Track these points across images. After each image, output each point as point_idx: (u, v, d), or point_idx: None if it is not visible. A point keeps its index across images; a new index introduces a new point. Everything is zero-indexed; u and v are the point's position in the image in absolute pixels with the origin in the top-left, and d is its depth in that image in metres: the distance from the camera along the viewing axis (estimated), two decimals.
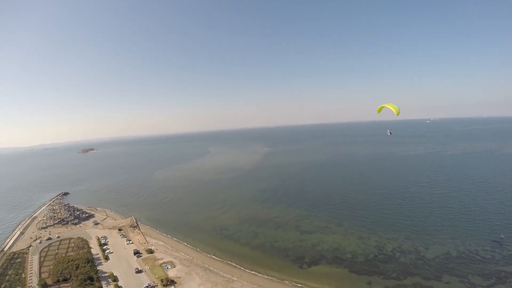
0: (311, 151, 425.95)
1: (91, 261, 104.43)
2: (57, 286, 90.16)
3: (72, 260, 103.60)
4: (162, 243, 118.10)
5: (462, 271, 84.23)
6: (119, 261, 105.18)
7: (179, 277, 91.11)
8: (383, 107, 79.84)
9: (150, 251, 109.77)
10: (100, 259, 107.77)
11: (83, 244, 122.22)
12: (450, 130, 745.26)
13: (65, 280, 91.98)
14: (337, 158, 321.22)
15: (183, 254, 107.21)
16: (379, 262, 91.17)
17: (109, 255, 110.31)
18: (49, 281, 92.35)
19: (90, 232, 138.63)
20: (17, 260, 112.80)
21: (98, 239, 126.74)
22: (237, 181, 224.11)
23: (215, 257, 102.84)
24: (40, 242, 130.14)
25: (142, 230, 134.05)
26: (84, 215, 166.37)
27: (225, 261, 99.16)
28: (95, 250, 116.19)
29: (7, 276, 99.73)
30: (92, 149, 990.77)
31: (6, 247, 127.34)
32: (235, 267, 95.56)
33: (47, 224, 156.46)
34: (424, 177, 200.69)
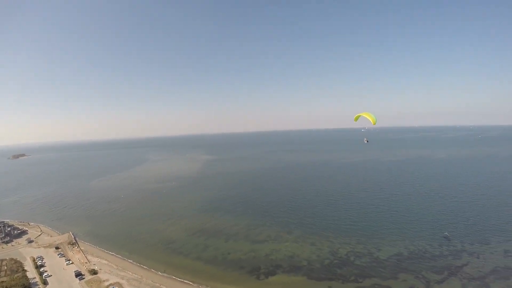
0: (253, 159, 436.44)
1: None
2: None
3: None
4: (106, 262, 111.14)
5: (415, 268, 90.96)
6: (59, 286, 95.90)
7: None
8: (360, 116, 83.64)
9: (94, 272, 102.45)
10: (37, 284, 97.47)
11: (17, 266, 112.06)
12: (385, 138, 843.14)
13: None
14: (280, 166, 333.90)
15: (130, 273, 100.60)
16: (335, 267, 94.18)
17: (48, 279, 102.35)
18: None
19: (24, 251, 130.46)
20: None
21: (34, 260, 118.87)
22: (180, 190, 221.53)
23: (166, 275, 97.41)
24: None
25: (82, 248, 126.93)
26: (15, 232, 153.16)
27: (177, 279, 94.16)
28: (31, 273, 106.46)
29: None
30: (23, 155, 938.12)
31: None
32: (189, 284, 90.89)
33: None
34: (365, 182, 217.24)
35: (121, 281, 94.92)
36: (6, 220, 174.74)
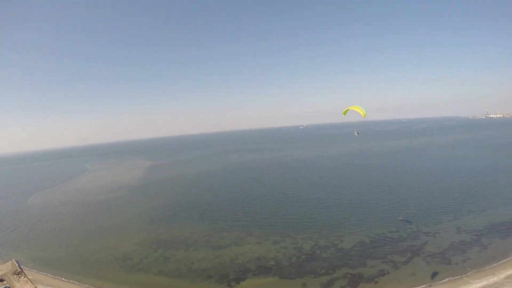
0: (197, 161, 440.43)
1: None
2: None
3: None
4: None
5: (380, 253, 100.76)
6: None
7: None
8: (349, 109, 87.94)
9: None
10: None
11: None
12: (324, 135, 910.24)
13: None
14: (226, 167, 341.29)
15: None
16: (304, 263, 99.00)
17: None
18: None
19: None
20: None
21: None
22: (127, 201, 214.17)
23: None
24: None
25: (29, 277, 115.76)
26: None
27: None
28: None
29: None
30: None
31: None
32: None
33: None
34: (314, 178, 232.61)
35: None
36: None
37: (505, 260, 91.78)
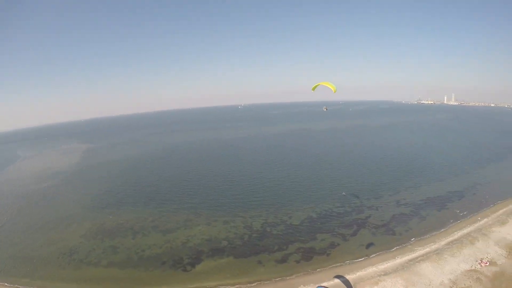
0: (136, 142, 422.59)
1: None
2: None
3: None
4: None
5: (328, 227, 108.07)
6: None
7: None
8: (319, 85, 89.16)
9: None
10: None
11: None
12: (265, 114, 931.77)
13: None
14: (167, 148, 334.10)
15: None
16: (256, 240, 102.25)
17: None
18: None
19: None
20: None
21: None
22: (64, 189, 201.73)
23: None
24: None
25: None
26: None
27: None
28: None
29: None
30: None
31: None
32: None
33: None
34: (257, 156, 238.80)
35: None
36: None
37: (443, 229, 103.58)
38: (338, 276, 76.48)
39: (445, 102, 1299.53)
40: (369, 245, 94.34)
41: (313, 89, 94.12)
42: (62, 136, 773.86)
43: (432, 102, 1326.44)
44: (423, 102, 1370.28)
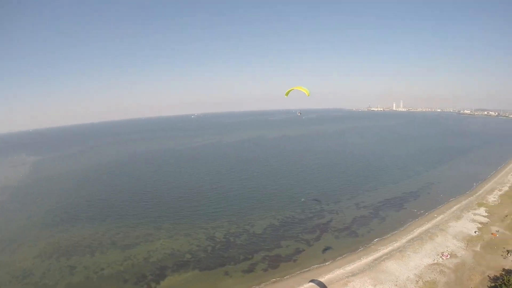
0: (86, 154, 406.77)
1: None
2: None
3: None
4: None
5: (292, 234, 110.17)
6: None
7: None
8: (292, 89, 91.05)
9: None
10: None
11: None
12: (218, 123, 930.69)
13: None
14: (120, 159, 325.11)
15: None
16: (221, 252, 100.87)
17: None
18: None
19: None
20: None
21: None
22: (12, 206, 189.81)
23: None
24: None
25: None
26: None
27: None
28: None
29: None
30: None
31: None
32: None
33: None
34: (214, 166, 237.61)
35: None
36: None
37: (403, 228, 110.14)
38: (308, 281, 77.61)
39: (394, 108, 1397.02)
40: (334, 248, 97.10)
41: (287, 94, 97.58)
42: (8, 147, 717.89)
43: (382, 109, 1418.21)
44: (373, 109, 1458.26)
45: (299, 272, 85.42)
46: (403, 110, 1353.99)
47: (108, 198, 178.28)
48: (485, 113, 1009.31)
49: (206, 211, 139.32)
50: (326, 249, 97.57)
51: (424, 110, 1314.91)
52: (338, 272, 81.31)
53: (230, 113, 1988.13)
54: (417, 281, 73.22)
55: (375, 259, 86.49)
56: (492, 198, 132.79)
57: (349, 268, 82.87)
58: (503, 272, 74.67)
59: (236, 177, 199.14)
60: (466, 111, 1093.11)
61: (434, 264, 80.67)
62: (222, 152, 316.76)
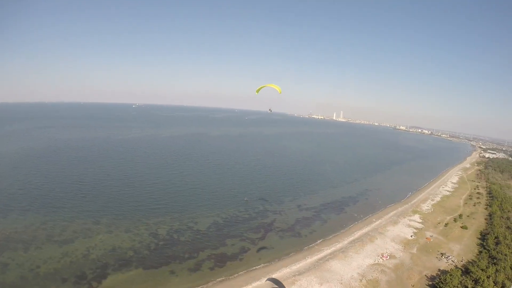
0: (11, 137, 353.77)
1: None
2: None
3: None
4: None
5: (236, 232, 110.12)
6: None
7: None
8: (263, 87, 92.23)
9: None
10: None
11: None
12: (157, 116, 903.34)
13: None
14: (51, 145, 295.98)
15: None
16: (165, 249, 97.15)
17: None
18: None
19: None
20: None
21: None
22: None
23: None
24: None
25: None
26: None
27: None
28: None
29: None
30: None
31: None
32: None
33: None
34: (154, 160, 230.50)
35: None
36: None
37: (344, 230, 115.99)
38: (255, 280, 78.10)
39: (334, 118, 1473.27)
40: (279, 248, 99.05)
41: (257, 91, 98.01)
42: None
43: (322, 117, 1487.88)
44: (314, 116, 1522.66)
45: (246, 271, 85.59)
46: (343, 120, 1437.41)
47: (40, 187, 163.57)
48: (419, 130, 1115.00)
49: (147, 206, 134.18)
50: (271, 248, 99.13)
51: (362, 122, 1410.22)
52: (285, 271, 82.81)
53: (173, 107, 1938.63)
54: (360, 280, 77.25)
55: (320, 259, 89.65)
56: (425, 207, 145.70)
57: (295, 267, 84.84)
58: (439, 272, 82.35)
59: (178, 172, 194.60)
60: (401, 127, 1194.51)
61: (375, 264, 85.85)
62: (163, 145, 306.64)
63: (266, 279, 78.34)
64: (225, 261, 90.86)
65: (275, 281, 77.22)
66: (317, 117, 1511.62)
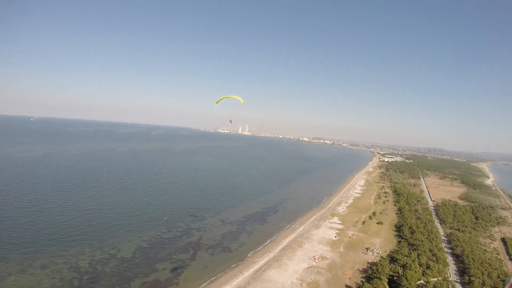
0: None
1: None
2: None
3: None
4: None
5: (164, 255, 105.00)
6: None
7: None
8: (225, 98, 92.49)
9: None
10: None
11: None
12: (60, 130, 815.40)
13: None
14: None
15: None
16: (90, 284, 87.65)
17: None
18: None
19: None
20: None
21: None
22: None
23: None
24: None
25: None
26: None
27: None
28: None
29: None
30: None
31: None
32: None
33: None
34: (58, 180, 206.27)
35: None
36: None
37: (271, 239, 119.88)
38: None
39: (240, 132, 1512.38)
40: (212, 266, 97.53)
41: (217, 102, 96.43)
42: None
43: (228, 131, 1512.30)
44: (219, 130, 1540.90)
45: None
46: (248, 134, 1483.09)
47: None
48: (321, 141, 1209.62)
49: (61, 236, 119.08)
50: (204, 267, 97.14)
51: (267, 135, 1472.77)
52: None
53: (73, 121, 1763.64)
54: (301, 284, 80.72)
55: (257, 270, 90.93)
56: (341, 209, 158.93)
57: (235, 282, 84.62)
58: (369, 265, 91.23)
59: (89, 195, 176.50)
60: (305, 139, 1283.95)
61: (310, 267, 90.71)
62: (68, 164, 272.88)
63: None
64: None
65: None
66: (223, 131, 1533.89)
